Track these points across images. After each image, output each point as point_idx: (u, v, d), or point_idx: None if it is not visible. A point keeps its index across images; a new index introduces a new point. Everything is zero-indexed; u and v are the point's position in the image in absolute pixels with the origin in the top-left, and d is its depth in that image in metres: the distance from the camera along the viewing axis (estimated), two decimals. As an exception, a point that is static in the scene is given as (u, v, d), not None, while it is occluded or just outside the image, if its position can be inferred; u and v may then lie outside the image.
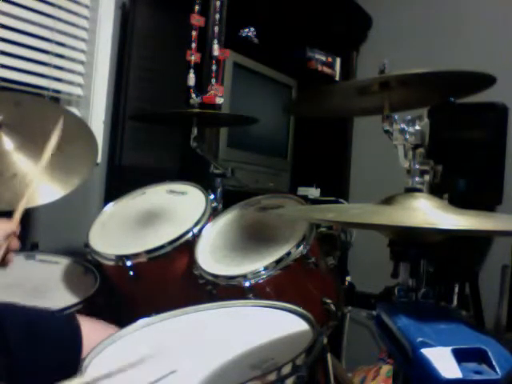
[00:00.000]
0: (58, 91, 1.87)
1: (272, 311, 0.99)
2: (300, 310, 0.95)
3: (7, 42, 1.69)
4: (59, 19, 1.82)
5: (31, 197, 1.17)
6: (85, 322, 1.00)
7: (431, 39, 2.51)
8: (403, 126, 0.95)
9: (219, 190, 1.56)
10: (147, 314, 1.00)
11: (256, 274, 1.19)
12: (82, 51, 1.92)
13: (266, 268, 1.19)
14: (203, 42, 1.76)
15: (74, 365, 0.83)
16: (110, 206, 1.54)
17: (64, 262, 1.47)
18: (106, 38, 1.95)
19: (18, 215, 1.11)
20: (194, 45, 1.73)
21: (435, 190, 0.95)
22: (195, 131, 1.54)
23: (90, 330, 0.98)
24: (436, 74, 0.98)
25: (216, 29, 1.78)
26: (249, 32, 2.09)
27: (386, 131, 0.98)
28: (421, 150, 0.94)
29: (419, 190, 0.91)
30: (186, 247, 1.32)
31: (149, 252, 1.31)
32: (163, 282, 1.36)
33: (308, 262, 1.22)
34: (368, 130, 2.45)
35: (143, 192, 1.57)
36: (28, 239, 1.65)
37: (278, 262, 1.20)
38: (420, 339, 0.67)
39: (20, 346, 0.89)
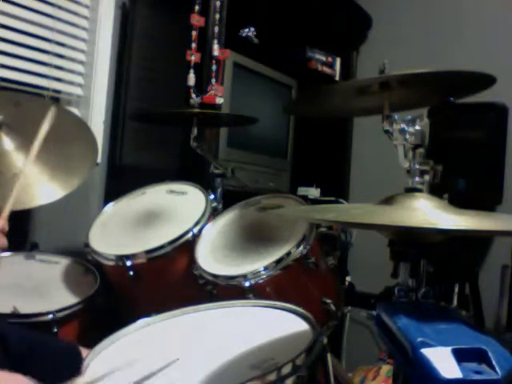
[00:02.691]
0: (58, 91, 1.87)
1: (272, 311, 0.99)
2: (300, 310, 0.95)
3: (7, 42, 1.68)
4: (59, 19, 1.82)
5: (20, 194, 1.15)
6: None
7: (431, 39, 2.51)
8: (403, 125, 0.95)
9: (219, 190, 1.56)
10: (147, 313, 1.00)
11: (256, 273, 1.19)
12: (82, 51, 1.92)
13: (266, 268, 1.19)
14: (203, 42, 1.76)
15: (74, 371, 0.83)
16: (110, 206, 1.54)
17: (64, 261, 1.47)
18: (106, 38, 1.95)
19: (5, 212, 1.09)
20: (193, 45, 1.73)
21: (435, 190, 0.95)
22: (195, 131, 1.54)
23: None
24: (436, 74, 0.98)
25: (216, 29, 1.78)
26: (249, 32, 2.09)
27: (386, 131, 0.98)
28: (421, 150, 0.94)
29: (419, 190, 0.91)
30: (185, 247, 1.32)
31: (149, 252, 1.31)
32: (163, 282, 1.36)
33: (308, 262, 1.22)
34: (368, 130, 2.46)
35: (143, 192, 1.57)
36: (28, 239, 1.65)
37: (278, 262, 1.20)
38: (420, 339, 0.67)
39: (21, 354, 0.90)
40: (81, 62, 1.92)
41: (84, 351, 1.01)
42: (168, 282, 1.36)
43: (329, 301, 1.25)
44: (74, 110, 1.90)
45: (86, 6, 1.92)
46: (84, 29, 1.92)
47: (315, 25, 2.47)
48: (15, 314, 1.15)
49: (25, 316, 1.16)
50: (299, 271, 1.23)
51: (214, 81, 1.76)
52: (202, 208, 1.42)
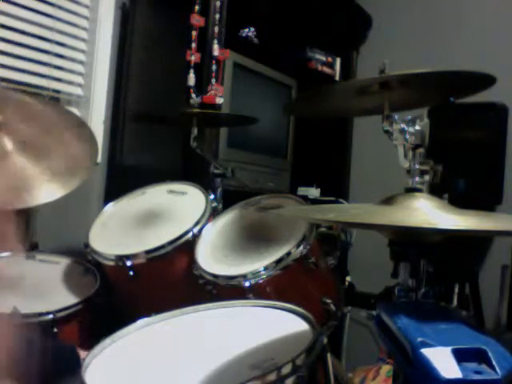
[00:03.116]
0: (57, 91, 1.87)
1: (272, 311, 0.99)
2: (300, 310, 0.94)
3: (7, 42, 1.68)
4: (59, 19, 1.82)
5: (20, 194, 1.14)
6: None
7: (431, 39, 2.51)
8: (403, 126, 0.95)
9: (219, 189, 1.55)
10: (147, 314, 1.00)
11: (256, 274, 1.19)
12: (82, 51, 1.92)
13: (266, 268, 1.19)
14: (203, 42, 1.76)
15: (74, 369, 0.83)
16: (110, 206, 1.54)
17: (64, 261, 1.46)
18: (106, 38, 1.95)
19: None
20: (193, 45, 1.73)
21: (435, 190, 0.95)
22: (195, 131, 1.54)
23: None
24: (436, 74, 0.98)
25: (216, 29, 1.78)
26: (249, 32, 2.09)
27: (386, 131, 0.98)
28: (421, 150, 0.94)
29: (419, 190, 0.91)
30: (185, 247, 1.32)
31: (149, 252, 1.30)
32: (163, 282, 1.36)
33: (308, 262, 1.22)
34: (368, 130, 2.45)
35: (143, 192, 1.57)
36: (28, 239, 1.65)
37: (278, 261, 1.20)
38: (420, 339, 0.67)
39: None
40: (81, 62, 1.92)
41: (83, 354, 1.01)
42: (168, 282, 1.36)
43: (329, 301, 1.25)
44: (74, 110, 1.90)
45: (86, 6, 1.92)
46: (84, 29, 1.92)
47: (315, 25, 2.47)
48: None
49: (25, 316, 1.16)
50: (299, 271, 1.23)
51: (214, 81, 1.76)
52: (202, 208, 1.42)
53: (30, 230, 1.70)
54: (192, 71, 1.72)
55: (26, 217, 1.67)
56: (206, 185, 1.53)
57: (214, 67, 1.76)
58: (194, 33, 1.73)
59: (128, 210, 1.52)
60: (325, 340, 0.82)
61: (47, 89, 1.81)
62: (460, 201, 0.96)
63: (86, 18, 1.92)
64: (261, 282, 1.18)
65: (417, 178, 0.94)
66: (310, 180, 2.51)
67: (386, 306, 0.80)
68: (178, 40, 1.83)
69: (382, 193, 0.93)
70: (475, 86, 1.08)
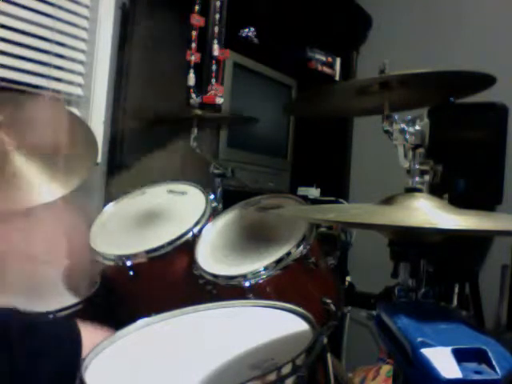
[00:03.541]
0: (58, 91, 1.87)
1: (272, 311, 0.99)
2: (300, 310, 0.94)
3: (7, 42, 1.68)
4: (59, 19, 1.82)
5: (20, 194, 1.15)
6: (85, 327, 0.99)
7: (431, 39, 2.51)
8: (403, 126, 0.95)
9: (219, 189, 1.56)
10: (147, 314, 1.00)
11: (256, 274, 1.19)
12: (82, 51, 1.92)
13: (266, 268, 1.19)
14: (203, 42, 1.76)
15: (73, 366, 0.83)
16: (110, 206, 1.54)
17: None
18: (106, 38, 1.95)
19: None
20: (193, 45, 1.73)
21: (435, 190, 0.95)
22: (195, 131, 1.54)
23: (90, 334, 0.97)
24: (436, 74, 0.98)
25: (216, 29, 1.78)
26: (249, 32, 2.09)
27: (386, 131, 0.98)
28: (421, 150, 0.95)
29: (419, 190, 0.91)
30: (185, 247, 1.32)
31: (149, 252, 1.30)
32: (163, 282, 1.36)
33: (308, 262, 1.22)
34: (368, 130, 2.46)
35: (143, 192, 1.57)
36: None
37: (278, 261, 1.20)
38: (420, 339, 0.67)
39: (20, 347, 0.89)
40: (81, 62, 1.92)
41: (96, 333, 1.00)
42: (168, 282, 1.36)
43: (329, 301, 1.25)
44: (74, 110, 1.90)
45: (86, 6, 1.92)
46: (84, 29, 1.92)
47: (315, 25, 2.47)
48: (15, 314, 1.15)
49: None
50: (299, 271, 1.23)
51: (214, 81, 1.76)
52: (202, 208, 1.42)
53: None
54: (192, 71, 1.72)
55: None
56: (205, 185, 1.53)
57: (214, 67, 1.77)
58: (194, 33, 1.73)
59: (128, 209, 1.52)
60: (325, 340, 0.82)
61: (47, 89, 1.81)
62: (460, 201, 0.96)
63: (86, 18, 1.92)
64: (261, 282, 1.18)
65: (417, 178, 0.93)
66: (310, 180, 2.51)
67: (386, 306, 0.80)
68: (178, 40, 1.83)
69: (382, 193, 0.93)
70: (475, 86, 1.08)
